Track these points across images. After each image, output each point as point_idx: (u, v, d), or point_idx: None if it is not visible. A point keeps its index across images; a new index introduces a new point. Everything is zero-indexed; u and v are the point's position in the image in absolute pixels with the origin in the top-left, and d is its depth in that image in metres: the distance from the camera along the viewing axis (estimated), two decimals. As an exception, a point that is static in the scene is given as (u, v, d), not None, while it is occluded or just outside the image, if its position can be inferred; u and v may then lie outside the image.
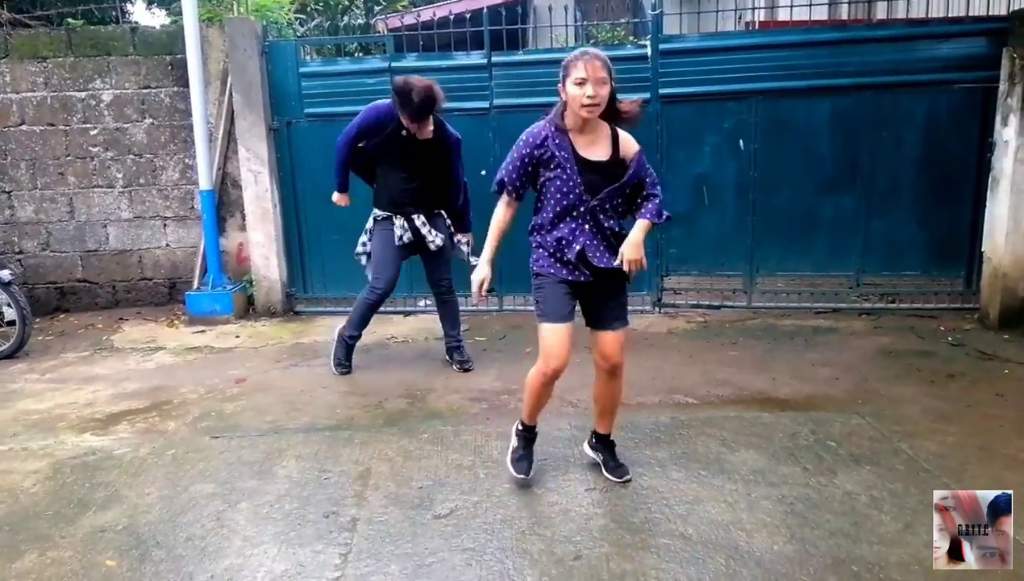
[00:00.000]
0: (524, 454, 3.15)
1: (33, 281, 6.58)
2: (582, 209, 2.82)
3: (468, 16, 5.93)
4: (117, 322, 6.20)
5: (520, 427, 3.18)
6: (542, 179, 2.86)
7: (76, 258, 6.60)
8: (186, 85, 6.04)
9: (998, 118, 5.14)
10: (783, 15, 8.37)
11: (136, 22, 9.70)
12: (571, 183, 2.80)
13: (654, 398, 4.11)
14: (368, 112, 4.44)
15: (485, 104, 5.75)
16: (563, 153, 2.80)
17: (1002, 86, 5.10)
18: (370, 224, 4.61)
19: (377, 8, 12.68)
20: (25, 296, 5.44)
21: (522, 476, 3.08)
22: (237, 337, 5.61)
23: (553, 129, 2.83)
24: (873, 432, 3.53)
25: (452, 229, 4.64)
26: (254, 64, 5.84)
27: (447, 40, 5.89)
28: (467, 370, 4.62)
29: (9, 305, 5.26)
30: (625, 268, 2.82)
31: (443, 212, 4.58)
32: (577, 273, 2.85)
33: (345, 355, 4.67)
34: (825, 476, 3.11)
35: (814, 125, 5.61)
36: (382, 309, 6.06)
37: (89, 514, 3.00)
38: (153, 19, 12.15)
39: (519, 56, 5.87)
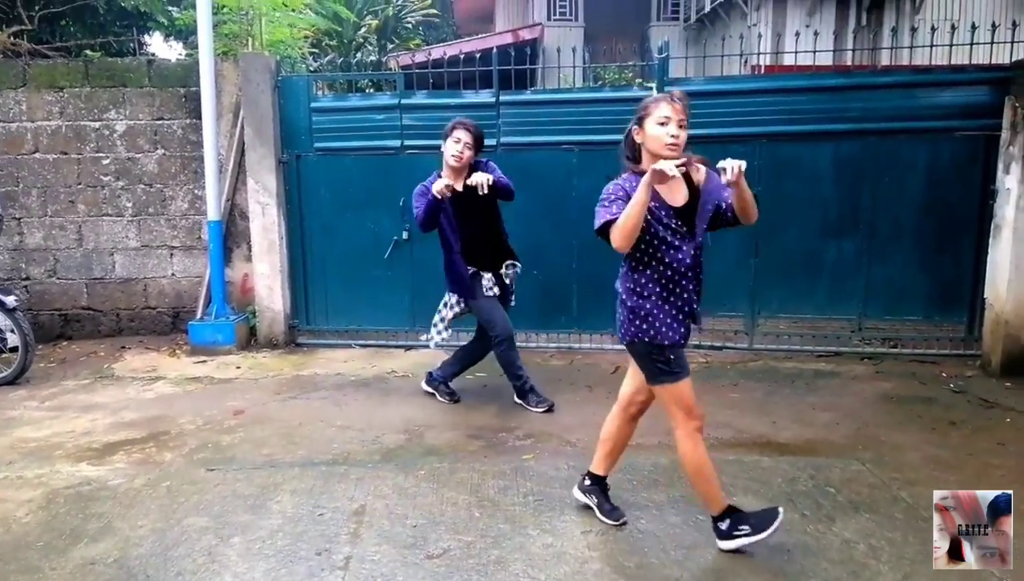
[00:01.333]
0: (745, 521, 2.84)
1: (38, 307, 6.62)
2: (690, 257, 2.72)
3: (478, 55, 6.02)
4: (119, 351, 6.22)
5: (727, 520, 2.83)
6: (643, 245, 2.69)
7: (82, 285, 6.65)
8: (199, 117, 6.14)
9: (1000, 166, 5.17)
10: (788, 60, 8.49)
11: (153, 54, 9.89)
12: (672, 235, 2.67)
13: (653, 440, 4.07)
14: (419, 194, 4.39)
15: (492, 141, 5.80)
16: (654, 204, 2.64)
17: (1004, 134, 5.14)
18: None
19: (390, 46, 12.92)
20: (29, 322, 5.47)
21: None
22: (238, 368, 5.61)
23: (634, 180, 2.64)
24: (873, 479, 3.49)
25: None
26: (266, 98, 5.94)
27: (457, 78, 5.99)
28: (456, 401, 4.73)
29: (12, 331, 5.29)
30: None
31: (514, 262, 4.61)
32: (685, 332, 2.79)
33: (536, 396, 4.59)
34: (823, 523, 3.07)
35: (817, 169, 5.65)
36: (383, 342, 6.13)
37: (80, 545, 2.98)
38: (171, 52, 12.37)
39: (527, 95, 5.96)
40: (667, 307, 2.74)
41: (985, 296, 5.30)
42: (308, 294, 6.22)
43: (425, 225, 4.37)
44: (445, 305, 4.64)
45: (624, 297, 2.81)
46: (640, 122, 2.67)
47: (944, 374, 5.20)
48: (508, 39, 12.89)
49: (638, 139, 2.68)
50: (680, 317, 2.76)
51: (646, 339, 2.75)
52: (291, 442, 4.07)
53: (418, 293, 6.05)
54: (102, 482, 3.58)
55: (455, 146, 4.36)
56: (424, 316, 6.07)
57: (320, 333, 6.27)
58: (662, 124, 2.61)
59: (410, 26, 14.48)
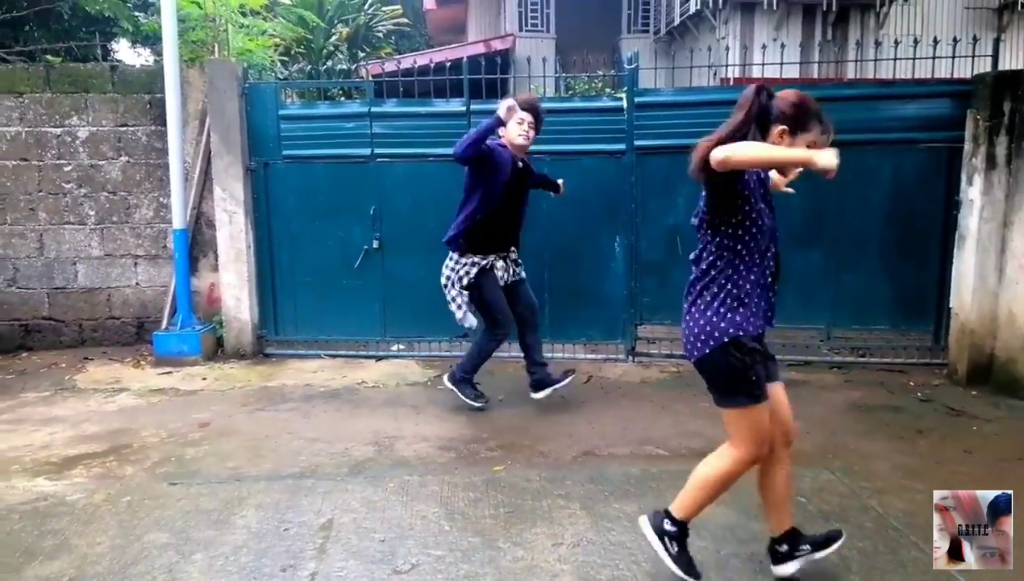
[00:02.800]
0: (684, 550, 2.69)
1: (-3, 317, 6.44)
2: (772, 248, 2.49)
3: (448, 65, 6.00)
4: (81, 362, 6.06)
5: (673, 527, 2.70)
6: (740, 215, 2.37)
7: (43, 295, 6.48)
8: (164, 124, 6.04)
9: (963, 177, 5.26)
10: (756, 72, 8.60)
11: (120, 60, 9.73)
12: (766, 214, 2.44)
13: (625, 449, 4.06)
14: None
15: (463, 151, 5.77)
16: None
17: (967, 146, 5.24)
18: (470, 273, 4.46)
19: (361, 55, 12.86)
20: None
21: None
22: (204, 379, 5.50)
23: None
24: (843, 488, 3.51)
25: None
26: (233, 105, 5.85)
27: (428, 87, 5.96)
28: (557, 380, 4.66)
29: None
30: None
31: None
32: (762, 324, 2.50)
33: (473, 390, 4.66)
34: (794, 533, 3.07)
35: (785, 180, 5.69)
36: (354, 353, 6.06)
37: (35, 564, 2.87)
38: (138, 59, 12.19)
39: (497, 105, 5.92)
40: (752, 298, 2.49)
41: (951, 306, 5.38)
42: (276, 304, 6.12)
43: (468, 149, 4.24)
44: (452, 284, 4.54)
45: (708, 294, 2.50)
46: (792, 130, 2.36)
47: (911, 383, 5.26)
48: (480, 49, 12.89)
49: (777, 142, 2.39)
50: (755, 310, 2.52)
51: (726, 336, 2.45)
52: (257, 455, 3.99)
53: (389, 303, 6.00)
54: (60, 497, 3.47)
55: (520, 128, 4.36)
56: (395, 326, 6.06)
57: (289, 343, 6.17)
58: (810, 145, 2.35)
59: (381, 35, 14.41)
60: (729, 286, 2.44)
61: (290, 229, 6.00)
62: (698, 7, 15.12)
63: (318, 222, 5.96)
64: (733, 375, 2.44)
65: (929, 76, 5.67)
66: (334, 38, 11.90)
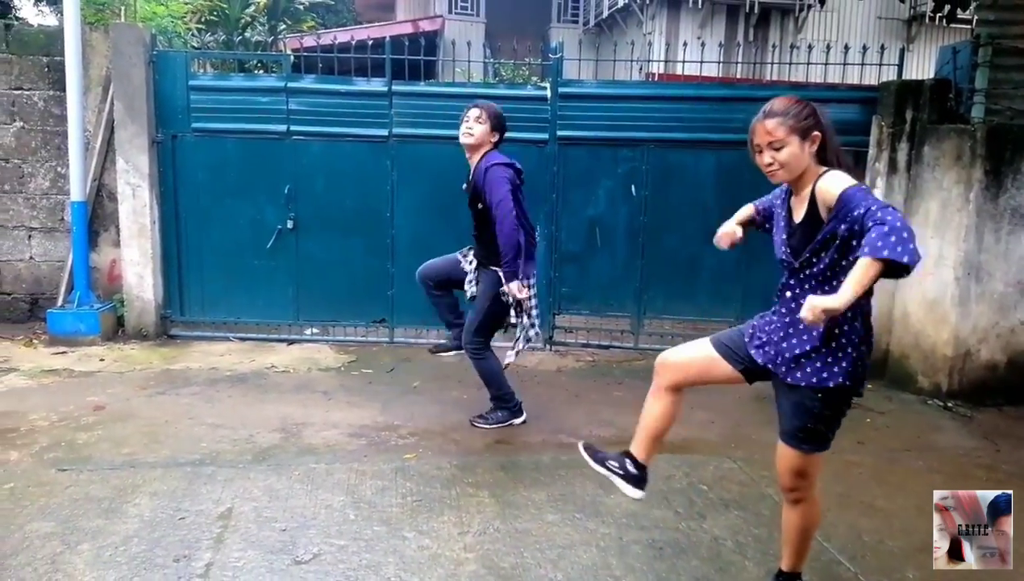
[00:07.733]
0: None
1: None
2: (782, 279, 2.47)
3: (371, 43, 5.86)
4: (-34, 339, 5.67)
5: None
6: None
7: (-77, 267, 6.02)
8: (63, 89, 5.68)
9: (867, 180, 5.49)
10: (679, 69, 8.75)
11: (23, 18, 9.09)
12: (778, 242, 2.48)
13: (537, 437, 4.08)
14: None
15: (384, 132, 5.67)
16: (780, 207, 2.53)
17: (871, 151, 5.46)
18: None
19: (281, 27, 12.42)
20: None
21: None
22: (102, 360, 5.22)
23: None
24: (743, 476, 3.62)
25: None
26: (139, 72, 5.55)
27: (349, 66, 5.80)
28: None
29: None
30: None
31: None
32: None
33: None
34: (695, 520, 3.15)
35: (700, 176, 5.81)
36: (264, 336, 5.88)
37: (-99, 557, 2.67)
38: (41, 18, 11.44)
39: (420, 87, 5.84)
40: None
41: (850, 302, 5.61)
42: (183, 283, 5.86)
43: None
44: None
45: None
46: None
47: (812, 375, 5.46)
48: (408, 29, 12.69)
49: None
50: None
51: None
52: (155, 441, 3.81)
53: (303, 285, 5.84)
54: (-68, 485, 3.23)
55: (464, 125, 4.04)
56: (309, 309, 5.90)
57: (195, 325, 5.93)
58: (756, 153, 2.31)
59: (303, 7, 13.88)
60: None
61: (199, 205, 5.76)
62: (626, 1, 15.30)
63: (229, 199, 5.74)
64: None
65: (840, 81, 5.89)
66: (251, 8, 11.43)
